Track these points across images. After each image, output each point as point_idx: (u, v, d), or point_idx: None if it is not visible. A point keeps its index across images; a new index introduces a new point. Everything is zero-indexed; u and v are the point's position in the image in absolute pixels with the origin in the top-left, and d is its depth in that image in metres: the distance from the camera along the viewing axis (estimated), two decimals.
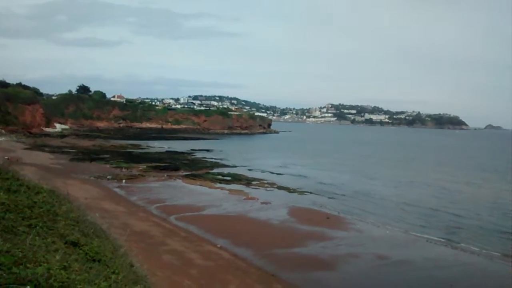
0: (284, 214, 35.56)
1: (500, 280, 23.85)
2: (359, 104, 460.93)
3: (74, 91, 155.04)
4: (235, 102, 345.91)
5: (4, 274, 3.57)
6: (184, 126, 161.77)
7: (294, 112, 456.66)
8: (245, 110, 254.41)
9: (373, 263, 24.96)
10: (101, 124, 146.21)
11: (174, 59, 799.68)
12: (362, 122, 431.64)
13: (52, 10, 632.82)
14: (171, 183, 47.32)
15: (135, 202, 36.80)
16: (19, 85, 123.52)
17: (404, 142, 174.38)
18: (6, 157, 39.05)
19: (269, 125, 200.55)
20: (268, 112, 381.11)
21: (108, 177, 47.59)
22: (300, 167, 69.79)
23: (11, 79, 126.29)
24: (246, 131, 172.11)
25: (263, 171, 61.40)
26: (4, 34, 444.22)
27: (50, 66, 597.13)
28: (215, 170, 58.76)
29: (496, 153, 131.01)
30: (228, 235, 28.30)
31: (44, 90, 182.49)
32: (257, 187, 48.05)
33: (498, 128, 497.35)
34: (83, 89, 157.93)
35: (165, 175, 51.62)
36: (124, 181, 45.87)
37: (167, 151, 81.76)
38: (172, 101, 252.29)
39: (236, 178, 52.30)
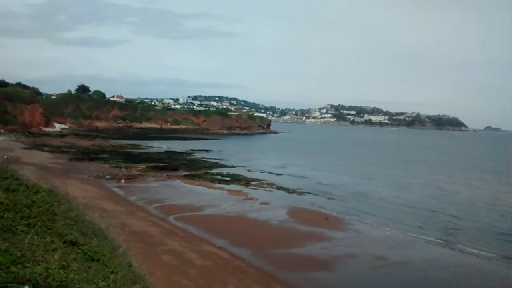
0: (283, 215, 35.57)
1: (498, 281, 23.88)
2: (359, 105, 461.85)
3: (73, 90, 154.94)
4: (234, 102, 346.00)
5: (3, 273, 3.58)
6: (183, 126, 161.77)
7: (293, 112, 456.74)
8: (244, 110, 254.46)
9: (372, 263, 24.97)
10: (101, 124, 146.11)
11: (174, 59, 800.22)
12: (362, 123, 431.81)
13: (51, 10, 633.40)
14: (170, 183, 47.30)
15: (134, 202, 36.78)
16: (19, 84, 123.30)
17: (403, 143, 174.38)
18: (5, 157, 39.07)
19: (269, 125, 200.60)
20: (267, 112, 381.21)
21: (107, 176, 47.57)
22: (299, 168, 69.80)
23: (11, 79, 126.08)
24: (245, 131, 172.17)
25: (262, 172, 61.41)
26: (3, 34, 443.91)
27: (49, 65, 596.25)
28: (214, 170, 58.74)
29: (495, 154, 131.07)
30: (227, 235, 28.30)
31: (43, 89, 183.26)
32: (256, 187, 48.05)
33: (497, 129, 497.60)
34: (83, 88, 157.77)
35: (164, 175, 51.60)
36: (123, 180, 45.85)
37: (166, 151, 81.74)
38: (171, 101, 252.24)
39: (235, 179, 52.30)
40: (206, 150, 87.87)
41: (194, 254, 23.73)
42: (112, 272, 4.98)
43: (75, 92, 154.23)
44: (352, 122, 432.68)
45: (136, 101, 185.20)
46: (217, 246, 25.98)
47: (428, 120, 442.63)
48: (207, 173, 55.89)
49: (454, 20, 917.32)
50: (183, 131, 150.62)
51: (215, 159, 73.00)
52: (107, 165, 56.75)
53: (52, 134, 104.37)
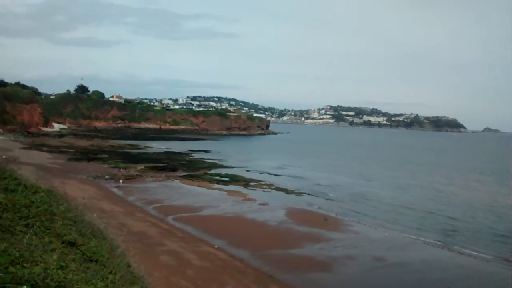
0: (282, 215, 35.58)
1: (496, 282, 23.97)
2: (358, 106, 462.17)
3: (72, 90, 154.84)
4: (233, 103, 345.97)
5: (1, 274, 3.58)
6: (182, 127, 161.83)
7: (292, 113, 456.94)
8: (243, 111, 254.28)
9: (370, 265, 25.00)
10: (99, 124, 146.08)
11: (173, 60, 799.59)
12: (361, 124, 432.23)
13: (50, 10, 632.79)
14: (169, 184, 47.28)
15: (133, 202, 36.76)
16: (18, 84, 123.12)
17: (401, 144, 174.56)
18: (4, 156, 39.07)
19: (268, 126, 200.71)
20: (266, 113, 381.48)
21: (106, 177, 47.55)
22: (298, 169, 69.85)
23: (10, 78, 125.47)
24: (244, 132, 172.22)
25: (261, 172, 61.43)
26: (2, 33, 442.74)
27: (48, 65, 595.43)
28: (213, 171, 58.74)
29: (493, 156, 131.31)
30: (226, 235, 28.30)
31: (42, 89, 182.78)
32: (255, 188, 48.06)
33: (496, 131, 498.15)
34: (82, 89, 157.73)
35: (163, 176, 51.57)
36: (121, 181, 45.80)
37: (165, 152, 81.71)
38: (170, 102, 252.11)
39: (234, 179, 52.30)
40: (205, 151, 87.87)
41: (193, 255, 23.72)
42: (110, 272, 4.98)
43: (74, 92, 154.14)
44: (351, 123, 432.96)
45: (135, 102, 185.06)
46: (216, 246, 25.97)
47: (427, 121, 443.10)
48: (206, 173, 55.89)
49: (454, 21, 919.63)
50: (182, 132, 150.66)
51: (214, 159, 73.01)
52: (106, 165, 56.71)
53: (51, 134, 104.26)
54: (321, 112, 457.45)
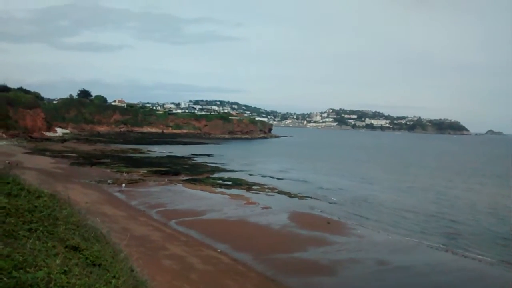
0: (285, 219, 35.51)
1: (500, 286, 23.82)
2: (360, 109, 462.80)
3: (75, 95, 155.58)
4: (236, 106, 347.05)
5: (5, 279, 3.59)
6: (184, 131, 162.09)
7: (294, 117, 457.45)
8: (246, 114, 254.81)
9: (374, 268, 24.89)
10: (102, 129, 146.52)
11: (175, 64, 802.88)
12: (363, 127, 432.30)
13: (53, 15, 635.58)
14: (172, 188, 47.29)
15: (136, 207, 36.76)
16: (20, 89, 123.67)
17: (404, 147, 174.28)
18: (7, 161, 39.10)
19: (270, 130, 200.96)
20: (269, 117, 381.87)
21: (109, 181, 47.61)
22: (301, 172, 69.81)
23: (12, 84, 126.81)
24: (246, 135, 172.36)
25: (263, 176, 61.39)
26: (5, 39, 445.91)
27: (51, 70, 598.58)
28: (216, 175, 58.75)
29: (496, 158, 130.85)
30: (228, 239, 28.25)
31: (45, 94, 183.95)
32: (257, 191, 48.01)
33: (499, 133, 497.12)
34: (84, 93, 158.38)
35: (166, 180, 51.62)
36: (124, 185, 45.87)
37: (167, 156, 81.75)
38: (173, 106, 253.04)
39: (237, 183, 52.28)
40: (208, 155, 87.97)
41: (196, 259, 23.68)
42: (114, 277, 4.98)
43: (77, 97, 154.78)
44: (354, 126, 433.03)
45: (138, 106, 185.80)
46: (219, 250, 25.94)
47: (430, 124, 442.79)
48: (209, 177, 55.89)
49: (457, 23, 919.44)
50: (184, 136, 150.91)
51: (216, 163, 73.01)
52: (108, 170, 56.79)
53: (54, 139, 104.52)
54: (323, 115, 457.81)
